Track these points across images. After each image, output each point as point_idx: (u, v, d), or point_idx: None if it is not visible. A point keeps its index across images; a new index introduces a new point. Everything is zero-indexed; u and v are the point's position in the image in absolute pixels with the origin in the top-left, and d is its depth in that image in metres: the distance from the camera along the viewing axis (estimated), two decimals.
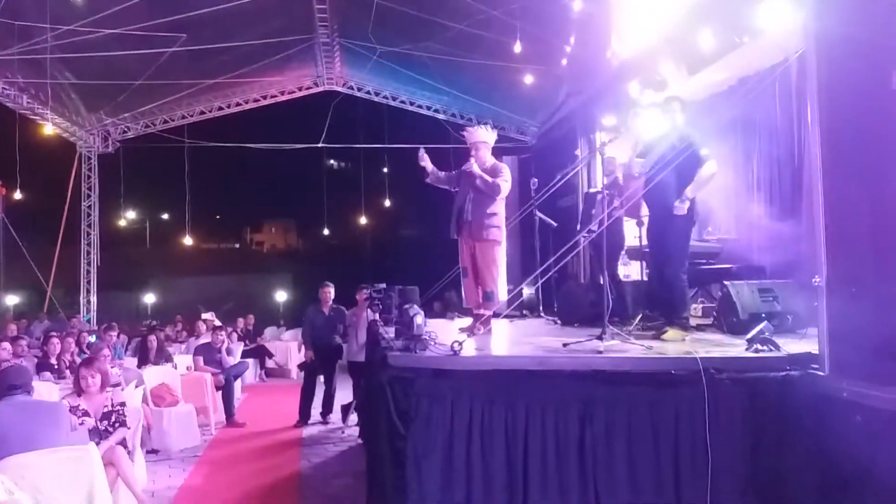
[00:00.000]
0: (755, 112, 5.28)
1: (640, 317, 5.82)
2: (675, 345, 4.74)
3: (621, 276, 7.40)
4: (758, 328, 4.34)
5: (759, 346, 4.20)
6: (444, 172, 6.05)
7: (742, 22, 5.19)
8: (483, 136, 5.88)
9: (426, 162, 5.94)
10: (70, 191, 16.10)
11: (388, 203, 26.80)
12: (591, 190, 7.72)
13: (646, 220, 6.21)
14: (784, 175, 6.07)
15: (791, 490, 3.82)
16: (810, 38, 3.96)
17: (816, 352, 3.92)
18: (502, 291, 6.19)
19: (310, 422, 9.04)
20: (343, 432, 8.43)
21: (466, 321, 6.05)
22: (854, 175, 3.73)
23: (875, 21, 3.54)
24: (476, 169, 5.69)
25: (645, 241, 6.95)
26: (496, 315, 6.64)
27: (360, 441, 7.61)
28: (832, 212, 3.81)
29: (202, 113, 16.41)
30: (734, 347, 4.53)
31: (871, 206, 3.61)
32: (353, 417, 8.38)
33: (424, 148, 5.97)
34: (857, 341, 3.67)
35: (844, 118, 3.77)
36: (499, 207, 5.76)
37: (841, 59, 3.77)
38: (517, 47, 10.57)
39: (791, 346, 4.32)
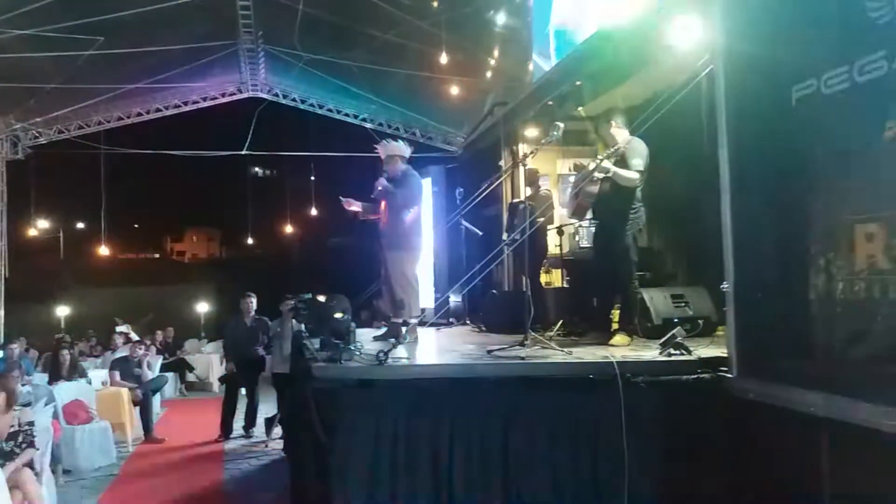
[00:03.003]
0: (667, 125, 5.50)
1: (560, 323, 5.95)
2: (593, 349, 4.87)
3: (543, 284, 7.55)
4: (671, 333, 4.50)
5: (672, 350, 4.36)
6: (367, 203, 6.06)
7: (656, 39, 5.41)
8: (394, 150, 5.92)
9: (354, 206, 5.97)
10: None
11: (314, 211, 26.53)
12: (515, 200, 7.85)
13: (585, 224, 6.39)
14: (693, 185, 6.32)
15: (703, 488, 3.97)
16: (718, 56, 4.16)
17: (726, 355, 4.10)
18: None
19: (232, 436, 8.83)
20: (266, 446, 8.27)
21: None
22: (758, 185, 3.93)
23: (776, 42, 3.75)
24: (379, 186, 5.79)
25: (566, 249, 7.16)
26: (423, 323, 6.69)
27: (283, 455, 7.48)
28: (738, 221, 4.01)
29: (120, 119, 15.83)
30: (649, 351, 4.68)
31: (775, 215, 3.81)
32: (277, 431, 8.23)
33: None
34: (762, 344, 3.85)
35: (749, 131, 3.96)
36: (407, 216, 5.79)
37: (746, 76, 3.96)
38: (443, 58, 10.68)
39: (702, 349, 4.51)
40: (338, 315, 5.12)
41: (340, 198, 6.05)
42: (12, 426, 5.11)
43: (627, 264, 5.23)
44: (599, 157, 5.21)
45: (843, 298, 3.36)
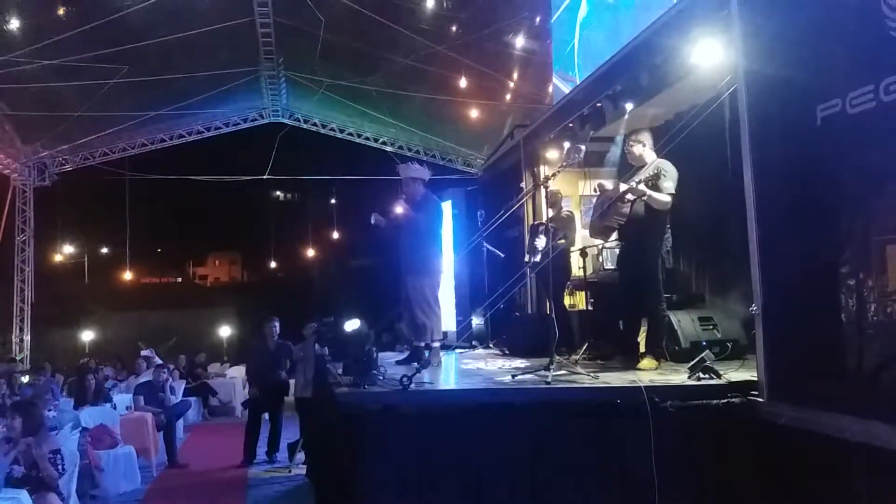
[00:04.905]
0: (690, 145, 5.46)
1: (586, 346, 5.89)
2: (620, 374, 4.81)
3: (567, 307, 7.49)
4: (699, 356, 4.43)
5: (701, 374, 4.29)
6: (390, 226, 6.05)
7: (677, 61, 5.39)
8: (414, 172, 5.93)
9: (380, 223, 5.99)
10: (3, 226, 15.52)
11: (336, 235, 26.71)
12: (536, 222, 7.84)
13: (610, 245, 6.33)
14: (717, 206, 6.26)
15: None
16: (741, 76, 4.14)
17: (756, 378, 4.03)
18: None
19: (255, 461, 8.81)
20: (290, 472, 8.23)
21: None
22: (784, 206, 3.88)
23: (799, 61, 3.72)
24: (398, 209, 5.78)
25: (590, 271, 7.10)
26: (446, 347, 6.64)
27: (307, 480, 7.45)
28: (765, 242, 3.96)
29: (144, 145, 16.09)
30: (677, 375, 4.61)
31: (803, 236, 3.75)
32: (301, 456, 8.20)
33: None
34: (793, 368, 3.79)
35: (774, 152, 3.93)
36: (426, 240, 5.76)
37: (769, 97, 3.93)
38: (462, 81, 10.74)
39: (732, 373, 4.44)
40: (351, 329, 5.08)
41: (374, 215, 6.03)
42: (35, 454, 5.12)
43: (656, 286, 5.17)
44: (635, 179, 5.14)
45: (876, 320, 3.29)
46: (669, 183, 5.05)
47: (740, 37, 4.17)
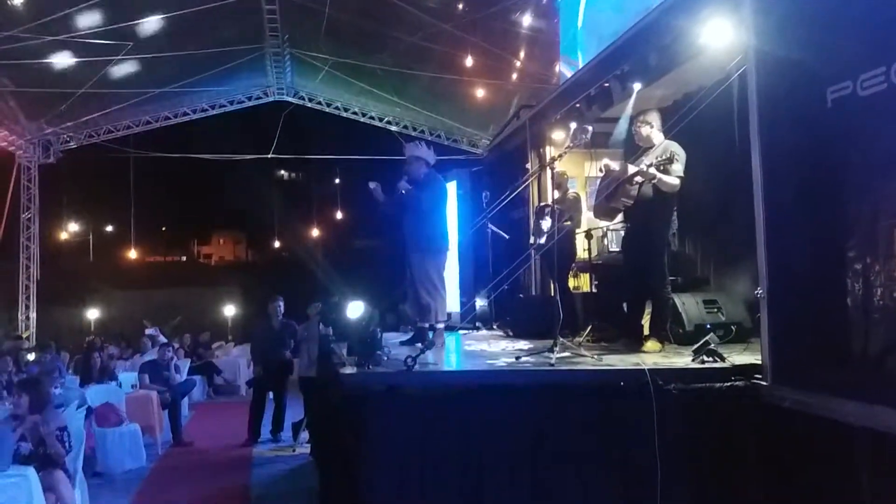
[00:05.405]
0: (698, 127, 5.42)
1: (590, 328, 5.89)
2: (624, 356, 4.81)
3: (571, 289, 7.48)
4: (704, 339, 4.42)
5: (705, 357, 4.28)
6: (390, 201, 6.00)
7: (686, 41, 5.33)
8: (420, 153, 5.88)
9: (378, 195, 5.94)
10: (8, 203, 15.53)
11: (340, 215, 26.72)
12: (542, 203, 7.81)
13: (616, 227, 6.31)
14: (724, 188, 6.22)
15: (737, 499, 3.90)
16: (750, 57, 4.09)
17: (760, 362, 4.02)
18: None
19: (260, 440, 8.87)
20: (294, 450, 8.29)
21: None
22: (792, 189, 3.85)
23: (810, 42, 3.67)
24: (401, 186, 5.74)
25: (595, 253, 7.08)
26: (450, 328, 6.65)
27: (311, 459, 7.50)
28: (771, 225, 3.93)
29: (148, 123, 16.03)
30: (681, 358, 4.61)
31: (810, 219, 3.73)
32: (305, 435, 8.25)
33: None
34: (797, 352, 3.78)
35: (783, 134, 3.89)
36: (429, 218, 5.73)
37: (779, 78, 3.89)
38: (468, 61, 10.65)
39: (736, 356, 4.43)
40: (354, 314, 5.07)
41: (370, 183, 5.97)
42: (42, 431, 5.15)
43: (661, 269, 5.16)
44: (645, 160, 5.10)
45: (882, 305, 3.27)
46: (678, 165, 5.01)
47: (751, 17, 4.12)
